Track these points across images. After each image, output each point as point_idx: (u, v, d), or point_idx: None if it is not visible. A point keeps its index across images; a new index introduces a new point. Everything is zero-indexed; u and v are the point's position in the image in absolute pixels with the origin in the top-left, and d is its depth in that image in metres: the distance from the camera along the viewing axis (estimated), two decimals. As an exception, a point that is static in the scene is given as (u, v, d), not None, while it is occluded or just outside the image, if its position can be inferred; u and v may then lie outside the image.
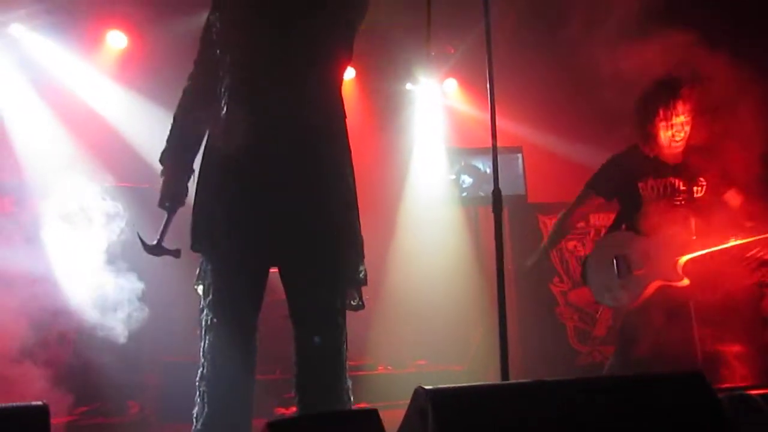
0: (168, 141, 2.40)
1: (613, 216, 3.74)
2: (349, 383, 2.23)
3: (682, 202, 3.38)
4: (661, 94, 3.37)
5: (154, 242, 2.38)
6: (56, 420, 3.65)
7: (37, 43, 5.16)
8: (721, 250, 3.26)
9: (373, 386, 4.48)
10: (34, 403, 1.57)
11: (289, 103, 2.21)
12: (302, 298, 2.22)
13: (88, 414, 4.20)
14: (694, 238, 3.30)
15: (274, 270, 2.30)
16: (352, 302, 2.30)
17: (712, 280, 3.29)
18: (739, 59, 3.27)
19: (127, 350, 3.99)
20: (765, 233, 3.21)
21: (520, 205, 5.50)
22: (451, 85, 6.21)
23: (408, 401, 1.74)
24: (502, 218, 2.51)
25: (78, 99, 5.31)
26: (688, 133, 3.36)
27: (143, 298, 3.84)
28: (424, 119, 6.21)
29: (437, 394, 1.64)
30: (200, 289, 2.30)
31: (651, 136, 3.39)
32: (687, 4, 3.89)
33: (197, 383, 2.21)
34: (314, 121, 2.23)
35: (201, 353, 2.23)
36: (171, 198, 2.37)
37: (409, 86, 6.18)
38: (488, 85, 2.56)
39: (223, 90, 2.27)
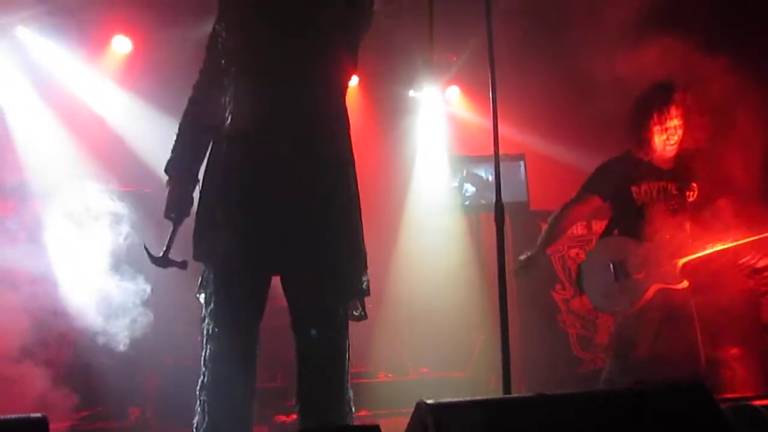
0: (173, 151, 2.39)
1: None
2: (351, 394, 2.22)
3: (676, 206, 3.41)
4: (656, 99, 3.42)
5: (160, 254, 2.35)
6: (57, 425, 3.64)
7: (42, 46, 5.17)
8: (717, 252, 3.29)
9: (374, 394, 4.47)
10: (33, 415, 1.57)
11: (294, 113, 2.21)
12: (304, 309, 2.22)
13: (89, 419, 4.20)
14: (691, 240, 3.33)
15: (275, 276, 2.29)
16: (354, 312, 2.29)
17: (710, 282, 3.32)
18: (733, 65, 3.31)
19: (127, 353, 3.98)
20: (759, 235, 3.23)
21: (522, 212, 5.49)
22: (454, 92, 6.22)
23: (408, 410, 1.74)
24: (504, 230, 2.50)
25: (81, 102, 5.32)
26: (680, 137, 3.40)
27: (147, 302, 3.84)
28: (426, 126, 6.22)
29: (439, 408, 1.64)
30: (202, 297, 2.29)
31: (645, 141, 3.44)
32: (684, 10, 3.91)
33: (198, 392, 2.20)
34: (319, 131, 2.23)
35: (202, 362, 2.23)
36: (176, 208, 2.35)
37: (411, 93, 6.20)
38: (491, 93, 2.57)
39: (227, 99, 2.27)
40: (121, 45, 5.36)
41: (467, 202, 5.72)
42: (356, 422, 2.28)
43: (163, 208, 2.37)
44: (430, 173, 6.07)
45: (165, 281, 3.70)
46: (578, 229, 5.38)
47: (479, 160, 5.72)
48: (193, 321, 2.59)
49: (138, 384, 4.37)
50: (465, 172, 5.73)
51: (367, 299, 2.34)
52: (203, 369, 2.21)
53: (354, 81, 5.79)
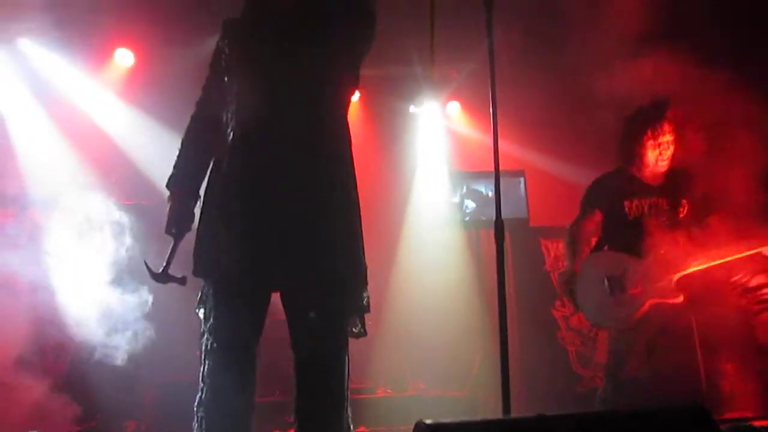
0: (175, 167, 2.40)
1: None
2: (350, 411, 2.20)
3: (668, 222, 3.42)
4: (649, 115, 3.47)
5: (160, 270, 2.35)
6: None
7: (45, 57, 5.20)
8: (711, 267, 3.30)
9: (372, 410, 4.44)
10: (29, 432, 1.55)
11: (296, 129, 2.22)
12: (304, 325, 2.21)
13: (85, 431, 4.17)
14: (685, 255, 3.33)
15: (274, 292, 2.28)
16: (353, 329, 2.28)
17: (704, 296, 3.33)
18: (731, 80, 3.33)
19: (125, 367, 3.96)
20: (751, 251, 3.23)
21: (522, 228, 5.49)
22: (454, 107, 6.24)
23: (408, 427, 1.73)
24: (504, 246, 2.50)
25: (83, 114, 5.34)
26: (672, 153, 3.43)
27: (147, 315, 3.83)
28: (427, 141, 6.23)
29: (437, 429, 1.63)
30: (201, 312, 2.28)
31: (638, 156, 3.50)
32: (684, 27, 3.94)
33: (195, 409, 2.19)
34: (321, 148, 2.23)
35: (200, 378, 2.21)
36: (177, 224, 2.35)
37: (412, 108, 6.21)
38: (491, 109, 2.57)
39: (229, 116, 2.27)
40: (124, 58, 5.38)
41: (467, 218, 5.72)
42: (355, 439, 2.27)
43: (164, 223, 2.37)
44: (430, 188, 6.07)
45: (164, 295, 3.70)
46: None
47: (479, 175, 5.73)
48: (192, 336, 2.58)
49: (135, 397, 4.34)
50: (465, 187, 5.73)
51: (366, 315, 2.33)
52: (201, 385, 2.20)
53: (354, 96, 5.80)
